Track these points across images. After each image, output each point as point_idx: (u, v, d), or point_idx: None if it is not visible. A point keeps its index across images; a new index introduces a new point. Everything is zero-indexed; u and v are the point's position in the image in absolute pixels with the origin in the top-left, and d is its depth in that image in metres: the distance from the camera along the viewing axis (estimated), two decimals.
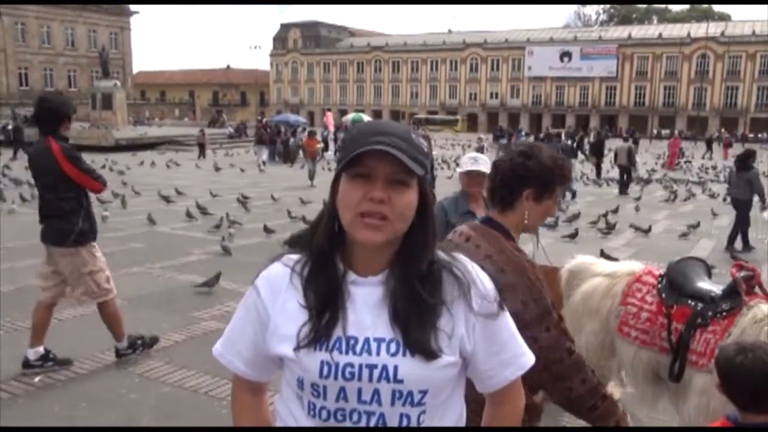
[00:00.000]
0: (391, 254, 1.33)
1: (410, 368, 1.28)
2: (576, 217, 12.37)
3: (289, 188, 17.50)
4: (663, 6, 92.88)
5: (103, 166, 20.40)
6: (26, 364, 4.82)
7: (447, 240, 2.13)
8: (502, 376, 1.42)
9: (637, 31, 74.88)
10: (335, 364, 1.29)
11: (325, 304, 1.31)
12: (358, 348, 1.29)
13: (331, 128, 33.71)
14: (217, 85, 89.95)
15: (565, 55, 74.08)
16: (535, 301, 1.97)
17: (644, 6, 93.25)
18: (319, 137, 23.90)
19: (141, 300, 6.72)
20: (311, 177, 19.12)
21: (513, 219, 2.12)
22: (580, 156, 23.94)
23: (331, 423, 1.31)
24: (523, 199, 2.09)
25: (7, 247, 9.07)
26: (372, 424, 1.30)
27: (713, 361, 2.19)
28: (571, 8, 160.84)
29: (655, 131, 62.42)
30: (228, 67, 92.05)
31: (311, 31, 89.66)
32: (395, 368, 1.28)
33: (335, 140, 29.73)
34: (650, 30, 75.71)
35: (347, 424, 1.31)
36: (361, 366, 1.28)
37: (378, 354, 1.29)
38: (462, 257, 1.41)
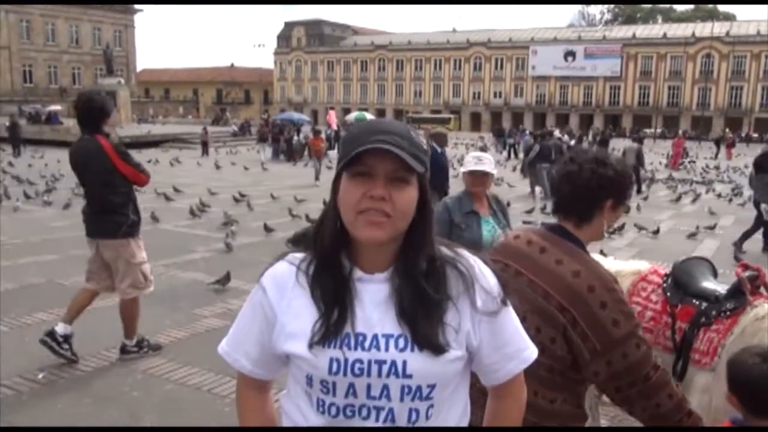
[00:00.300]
0: (395, 251, 1.34)
1: (419, 363, 1.29)
2: None
3: (293, 187, 17.49)
4: (668, 6, 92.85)
5: None
6: (51, 334, 4.86)
7: (511, 247, 2.08)
8: (506, 370, 1.43)
9: (642, 31, 74.75)
10: (344, 360, 1.29)
11: (333, 301, 1.32)
12: (366, 344, 1.30)
13: (335, 127, 33.74)
14: (221, 83, 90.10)
15: (569, 54, 73.96)
16: (625, 316, 1.92)
17: (649, 6, 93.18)
18: (323, 136, 23.90)
19: (144, 297, 6.70)
20: (317, 176, 19.09)
21: (589, 232, 2.05)
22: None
23: (340, 419, 1.32)
24: (605, 209, 2.03)
25: (13, 243, 9.11)
26: (381, 419, 1.31)
27: (725, 366, 2.19)
28: (576, 8, 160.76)
29: (658, 130, 62.24)
30: (232, 65, 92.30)
31: (315, 30, 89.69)
32: (404, 363, 1.29)
33: (338, 139, 29.74)
34: (655, 30, 75.57)
35: (356, 419, 1.31)
36: (370, 362, 1.29)
37: (387, 350, 1.30)
38: (465, 253, 1.41)
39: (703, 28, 69.74)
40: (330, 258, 1.34)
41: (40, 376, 4.69)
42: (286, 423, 1.44)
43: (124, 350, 5.11)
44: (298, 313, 1.34)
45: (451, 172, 10.67)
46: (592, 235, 2.06)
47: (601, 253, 7.88)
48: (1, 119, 35.23)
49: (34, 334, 5.47)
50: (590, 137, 38.98)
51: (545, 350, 1.89)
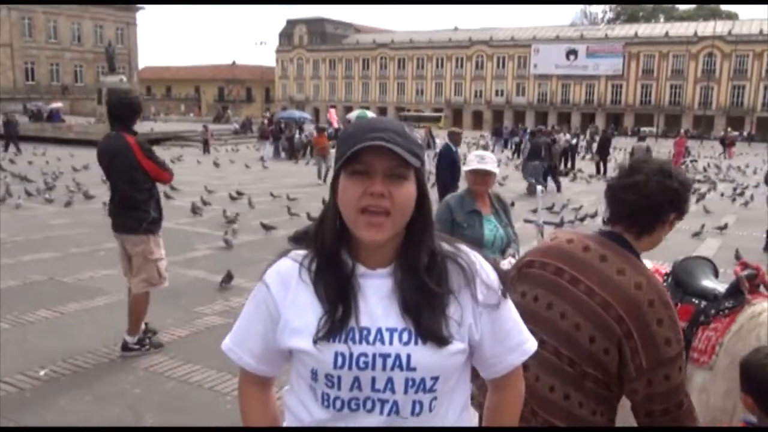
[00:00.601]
0: (396, 246, 1.36)
1: (422, 356, 1.31)
2: (590, 215, 12.35)
3: (295, 185, 17.49)
4: (670, 5, 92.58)
5: None
6: (125, 346, 5.12)
7: (561, 247, 2.03)
8: (507, 363, 1.45)
9: (644, 30, 74.62)
10: (349, 354, 1.31)
11: (337, 297, 1.33)
12: (371, 338, 1.32)
13: (336, 125, 33.75)
14: (223, 81, 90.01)
15: (571, 53, 73.89)
16: (676, 337, 1.87)
17: (651, 5, 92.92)
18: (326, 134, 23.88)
19: None
20: (319, 174, 18.95)
21: (647, 243, 2.02)
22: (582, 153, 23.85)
23: (345, 412, 1.34)
24: (667, 223, 2.01)
25: (14, 241, 9.13)
26: (386, 411, 1.33)
27: (738, 367, 2.19)
28: (578, 7, 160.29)
29: (657, 130, 62.15)
30: (234, 63, 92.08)
31: (317, 28, 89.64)
32: (408, 357, 1.31)
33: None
34: (657, 28, 75.43)
35: (361, 412, 1.33)
36: (374, 355, 1.31)
37: (391, 343, 1.31)
38: (466, 248, 1.43)
39: (705, 27, 69.65)
40: (331, 256, 1.36)
41: (42, 373, 4.71)
42: (289, 419, 1.45)
43: (125, 347, 5.12)
44: (302, 310, 1.36)
45: None
46: (647, 247, 2.03)
47: None
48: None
49: (36, 332, 5.50)
50: (588, 136, 38.95)
51: (596, 361, 1.87)
